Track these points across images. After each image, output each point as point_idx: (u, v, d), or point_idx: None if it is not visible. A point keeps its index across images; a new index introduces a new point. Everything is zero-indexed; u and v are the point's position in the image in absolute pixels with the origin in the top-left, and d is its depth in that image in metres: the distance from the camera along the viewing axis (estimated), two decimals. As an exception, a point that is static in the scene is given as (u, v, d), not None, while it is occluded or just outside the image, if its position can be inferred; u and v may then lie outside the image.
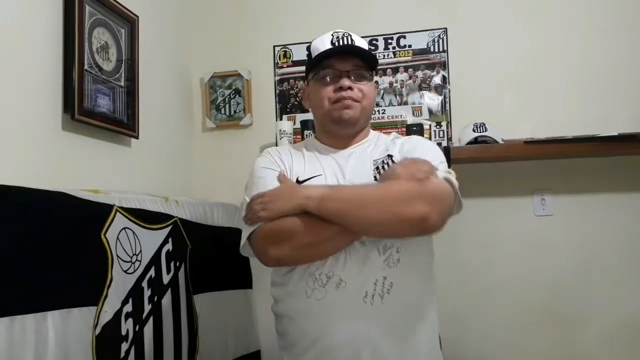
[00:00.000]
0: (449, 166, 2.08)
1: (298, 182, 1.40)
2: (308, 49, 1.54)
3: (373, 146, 1.47)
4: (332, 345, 1.28)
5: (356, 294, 1.27)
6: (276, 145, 2.31)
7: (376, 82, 1.54)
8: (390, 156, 1.41)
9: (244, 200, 1.42)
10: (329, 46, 1.43)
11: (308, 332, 1.32)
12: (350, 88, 1.39)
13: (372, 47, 2.40)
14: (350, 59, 1.42)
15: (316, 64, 1.45)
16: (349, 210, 1.23)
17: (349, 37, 1.45)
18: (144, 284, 1.51)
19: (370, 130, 1.56)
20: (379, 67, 2.38)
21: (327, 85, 1.42)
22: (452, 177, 1.34)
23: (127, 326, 1.41)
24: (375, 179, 1.36)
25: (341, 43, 1.43)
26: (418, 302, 1.35)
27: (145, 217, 1.56)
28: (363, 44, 1.48)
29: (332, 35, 1.45)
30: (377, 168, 1.39)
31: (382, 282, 1.27)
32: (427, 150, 1.40)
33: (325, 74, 1.43)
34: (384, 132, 1.61)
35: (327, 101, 1.42)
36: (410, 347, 1.31)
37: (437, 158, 1.37)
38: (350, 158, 1.44)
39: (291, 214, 1.26)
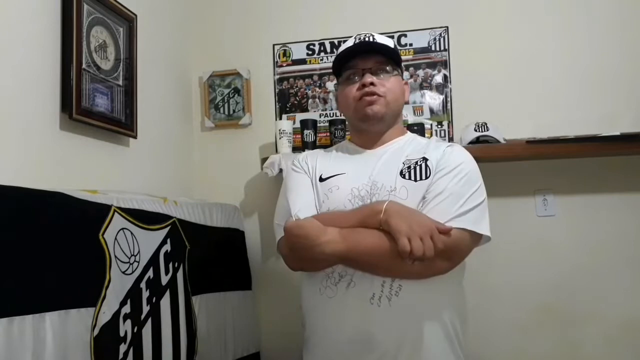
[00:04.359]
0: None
1: (321, 179, 1.43)
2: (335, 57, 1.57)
3: (408, 146, 1.47)
4: (339, 343, 1.30)
5: (364, 294, 1.28)
6: (275, 145, 2.31)
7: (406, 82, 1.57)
8: (425, 159, 1.39)
9: (281, 203, 1.48)
10: (351, 45, 1.47)
11: (318, 328, 1.37)
12: (372, 84, 1.41)
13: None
14: (371, 57, 1.44)
15: (340, 66, 1.48)
16: (364, 268, 1.29)
17: (372, 37, 1.46)
18: (143, 285, 1.50)
19: (407, 131, 1.57)
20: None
21: (351, 84, 1.45)
22: (475, 215, 1.32)
23: (125, 327, 1.39)
24: (402, 175, 1.36)
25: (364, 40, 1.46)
26: (432, 306, 1.33)
27: (144, 218, 1.55)
28: (386, 42, 1.49)
29: (355, 37, 1.48)
30: (409, 167, 1.38)
31: (390, 284, 1.28)
32: (460, 179, 1.34)
33: (348, 74, 1.46)
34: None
35: (352, 100, 1.45)
36: (416, 353, 1.29)
37: (464, 195, 1.31)
38: (381, 157, 1.44)
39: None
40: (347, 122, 1.59)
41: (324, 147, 1.99)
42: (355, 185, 1.37)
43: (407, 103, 1.92)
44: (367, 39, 1.46)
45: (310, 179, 1.46)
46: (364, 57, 1.44)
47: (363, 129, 1.49)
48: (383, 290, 1.27)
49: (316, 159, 1.50)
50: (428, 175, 1.35)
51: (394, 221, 1.22)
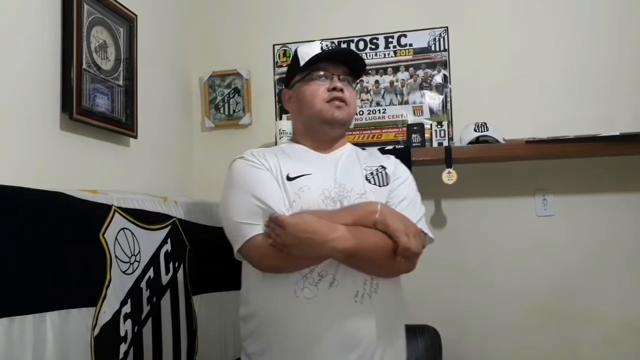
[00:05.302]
0: (450, 166, 2.10)
1: (289, 178, 1.40)
2: (294, 55, 1.57)
3: (355, 154, 1.54)
4: (320, 346, 1.29)
5: (348, 293, 1.31)
6: (275, 145, 2.30)
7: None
8: (384, 167, 1.50)
9: (244, 200, 1.37)
10: (319, 50, 1.50)
11: (294, 333, 1.31)
12: (342, 90, 1.46)
13: (373, 46, 2.40)
14: (340, 66, 1.49)
15: (307, 67, 1.49)
16: (361, 265, 1.32)
17: (340, 45, 1.57)
18: (143, 284, 1.50)
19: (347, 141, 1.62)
20: (379, 67, 2.38)
21: (319, 85, 1.47)
22: (425, 222, 1.46)
23: (125, 327, 1.40)
24: (368, 181, 1.44)
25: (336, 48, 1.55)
26: (398, 300, 1.44)
27: (144, 218, 1.55)
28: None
29: (320, 42, 1.55)
30: (372, 174, 1.47)
31: (370, 281, 1.33)
32: (412, 189, 1.50)
33: (318, 75, 1.48)
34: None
35: (319, 99, 1.45)
36: (395, 343, 1.39)
37: (417, 203, 1.47)
38: (338, 161, 1.49)
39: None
40: (298, 123, 1.57)
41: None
42: (324, 187, 1.39)
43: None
44: (334, 46, 1.56)
45: (274, 177, 1.40)
46: (335, 64, 1.48)
47: (321, 131, 1.49)
48: (365, 288, 1.32)
49: (275, 157, 1.44)
50: (388, 182, 1.47)
51: (392, 221, 1.30)
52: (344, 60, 1.50)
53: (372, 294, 1.32)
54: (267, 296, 1.36)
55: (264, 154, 1.46)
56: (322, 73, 1.47)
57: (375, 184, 1.44)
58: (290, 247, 1.26)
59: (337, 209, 1.35)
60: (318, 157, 1.50)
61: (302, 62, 1.50)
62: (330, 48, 1.54)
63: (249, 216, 1.33)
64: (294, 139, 1.59)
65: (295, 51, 1.56)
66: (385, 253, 1.29)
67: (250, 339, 1.42)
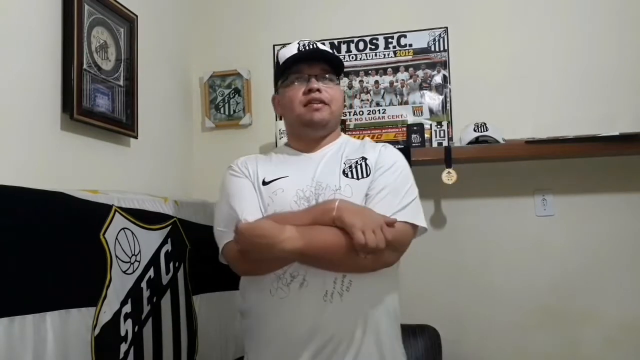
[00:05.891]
0: (450, 166, 2.10)
1: (264, 183, 1.44)
2: (276, 59, 1.59)
3: (344, 147, 1.51)
4: (293, 343, 1.32)
5: (317, 293, 1.31)
6: (275, 145, 2.31)
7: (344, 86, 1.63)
8: (364, 158, 1.45)
9: (223, 209, 1.44)
10: (296, 51, 1.49)
11: (270, 329, 1.36)
12: (319, 90, 1.44)
13: (372, 46, 2.40)
14: (317, 64, 1.48)
15: (284, 70, 1.50)
16: (320, 264, 1.31)
17: (315, 45, 1.51)
18: (143, 284, 1.50)
19: (342, 133, 1.61)
20: (379, 67, 2.38)
21: (296, 88, 1.47)
22: (413, 209, 1.39)
23: (126, 327, 1.40)
24: (345, 175, 1.41)
25: (309, 48, 1.50)
26: (378, 296, 1.39)
27: (145, 218, 1.55)
28: (328, 49, 1.55)
29: (298, 43, 1.51)
30: (350, 167, 1.43)
31: (342, 280, 1.32)
32: (397, 176, 1.42)
33: (294, 78, 1.47)
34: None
35: (297, 104, 1.46)
36: (372, 339, 1.35)
37: (401, 190, 1.39)
38: (321, 160, 1.48)
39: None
40: (286, 126, 1.59)
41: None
42: (299, 187, 1.39)
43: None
44: (311, 46, 1.49)
45: (252, 182, 1.45)
46: (310, 64, 1.47)
47: (304, 134, 1.51)
48: (335, 286, 1.31)
49: (256, 163, 1.50)
50: (368, 173, 1.42)
51: (347, 217, 1.26)
52: (323, 58, 1.49)
53: (343, 292, 1.31)
54: (251, 296, 1.43)
55: (246, 162, 1.52)
56: (296, 76, 1.47)
57: (352, 177, 1.41)
58: (248, 253, 1.30)
59: (298, 210, 1.35)
60: (302, 158, 1.51)
61: (279, 64, 1.53)
62: (306, 48, 1.50)
63: (225, 224, 1.41)
64: (287, 142, 1.62)
65: (277, 55, 1.57)
66: (340, 250, 1.27)
67: (245, 336, 1.48)
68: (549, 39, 2.30)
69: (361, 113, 2.38)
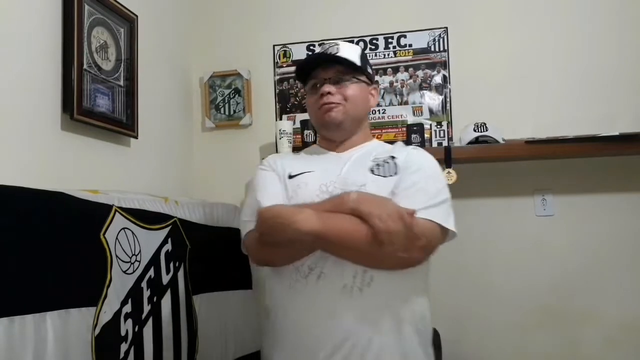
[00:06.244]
0: (450, 166, 2.10)
1: (290, 176, 1.47)
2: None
3: (375, 149, 1.52)
4: (311, 337, 1.31)
5: (335, 286, 1.30)
6: (275, 145, 2.32)
7: (376, 81, 1.65)
8: (393, 157, 1.45)
9: (249, 201, 1.49)
10: (311, 59, 1.57)
11: (288, 323, 1.37)
12: (330, 93, 1.47)
13: (372, 46, 2.40)
14: (332, 67, 1.50)
15: (306, 76, 1.55)
16: (340, 252, 1.30)
17: (335, 47, 1.52)
18: (144, 284, 1.50)
19: (374, 138, 1.63)
20: (379, 67, 2.38)
21: (313, 94, 1.52)
22: (443, 210, 1.35)
23: (126, 327, 1.40)
24: (372, 172, 1.41)
25: (326, 51, 1.53)
26: (403, 295, 1.36)
27: (145, 218, 1.55)
28: (349, 51, 1.53)
29: (320, 46, 1.61)
30: (378, 165, 1.43)
31: (362, 275, 1.30)
32: (427, 176, 1.39)
33: (311, 84, 1.54)
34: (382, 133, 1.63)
35: (315, 109, 1.52)
36: (392, 340, 1.32)
37: (431, 190, 1.36)
38: (350, 159, 1.49)
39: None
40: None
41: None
42: (323, 182, 1.41)
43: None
44: (330, 49, 1.52)
45: (278, 176, 1.49)
46: (325, 67, 1.50)
47: (327, 135, 1.56)
48: (355, 281, 1.29)
49: (285, 159, 1.56)
50: (397, 172, 1.40)
51: (365, 206, 1.26)
52: (334, 59, 1.50)
53: (363, 287, 1.29)
54: (272, 289, 1.46)
55: (276, 157, 1.57)
56: (312, 82, 1.52)
57: (379, 175, 1.40)
58: (265, 235, 1.32)
59: (316, 201, 1.35)
60: (330, 156, 1.54)
61: (300, 71, 1.58)
62: (321, 52, 1.56)
63: (250, 214, 1.43)
64: (318, 141, 1.66)
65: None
66: (360, 238, 1.24)
67: (262, 330, 1.53)
68: (549, 38, 2.30)
69: (361, 113, 2.38)
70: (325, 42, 1.57)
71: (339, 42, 1.56)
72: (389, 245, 1.22)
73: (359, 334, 1.29)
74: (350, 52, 1.53)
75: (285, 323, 1.38)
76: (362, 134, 1.57)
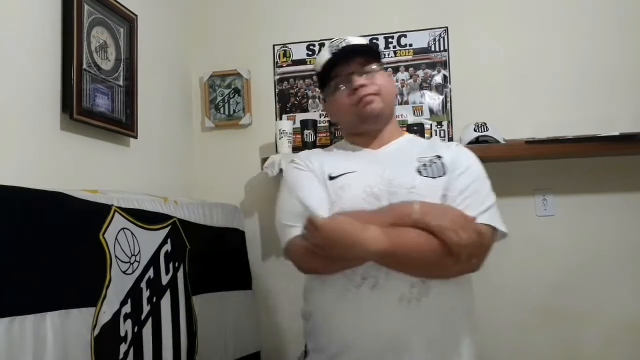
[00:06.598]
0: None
1: (330, 178, 1.39)
2: (316, 70, 1.58)
3: (412, 146, 1.47)
4: (363, 348, 1.26)
5: (391, 296, 1.25)
6: (275, 145, 2.31)
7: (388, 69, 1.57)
8: (439, 157, 1.40)
9: (289, 204, 1.40)
10: (328, 55, 1.46)
11: (339, 334, 1.30)
12: (362, 85, 1.40)
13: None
14: (352, 61, 1.43)
15: (325, 78, 1.47)
16: (405, 267, 1.25)
17: (345, 41, 1.47)
18: (143, 284, 1.50)
19: (405, 131, 1.57)
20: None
21: (341, 93, 1.44)
22: (495, 212, 1.35)
23: (125, 327, 1.40)
24: (419, 173, 1.35)
25: (339, 47, 1.46)
26: (459, 303, 1.33)
27: (144, 218, 1.55)
28: (360, 41, 1.50)
29: (329, 46, 1.49)
30: (425, 165, 1.38)
31: (420, 285, 1.26)
32: (476, 178, 1.37)
33: (335, 84, 1.45)
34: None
35: (347, 108, 1.44)
36: (451, 349, 1.29)
37: (482, 192, 1.35)
38: (388, 156, 1.44)
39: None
40: (341, 128, 1.57)
41: (324, 147, 1.98)
42: (367, 184, 1.34)
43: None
44: (341, 44, 1.47)
45: (317, 177, 1.41)
46: (345, 63, 1.44)
47: (363, 130, 1.48)
48: (412, 291, 1.25)
49: (320, 157, 1.47)
50: (445, 172, 1.36)
51: (432, 218, 1.22)
52: (356, 52, 1.45)
53: (421, 297, 1.25)
54: (318, 297, 1.38)
55: (310, 155, 1.49)
56: (336, 81, 1.45)
57: (427, 176, 1.35)
58: (324, 249, 1.23)
59: (374, 210, 1.29)
60: (366, 153, 1.47)
61: (318, 74, 1.52)
62: (339, 47, 1.47)
63: (291, 218, 1.36)
64: (346, 139, 1.58)
65: (315, 66, 1.56)
66: (430, 253, 1.21)
67: (309, 337, 1.42)
68: (549, 38, 2.29)
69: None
70: (332, 40, 1.50)
71: (346, 37, 1.51)
72: (461, 257, 1.21)
73: (416, 345, 1.25)
74: (362, 42, 1.50)
75: (334, 334, 1.32)
76: (394, 126, 1.52)
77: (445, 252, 1.21)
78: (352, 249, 1.20)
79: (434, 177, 1.35)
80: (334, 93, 1.47)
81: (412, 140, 1.51)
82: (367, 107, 1.41)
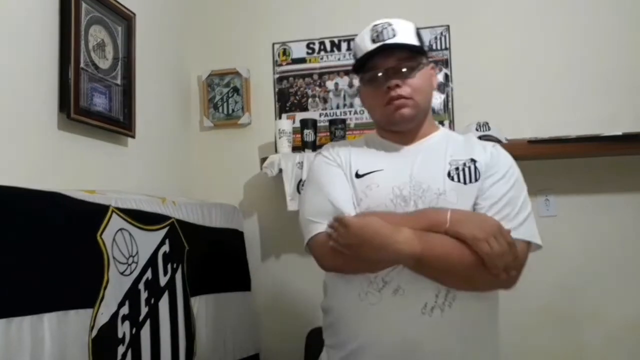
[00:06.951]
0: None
1: (357, 175, 1.35)
2: (352, 45, 1.49)
3: (445, 143, 1.39)
4: (381, 353, 1.24)
5: (415, 303, 1.22)
6: (275, 145, 2.29)
7: (434, 63, 1.45)
8: (473, 160, 1.33)
9: (315, 200, 1.36)
10: (369, 43, 1.34)
11: (357, 336, 1.28)
12: (397, 86, 1.32)
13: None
14: (392, 55, 1.33)
15: (361, 65, 1.39)
16: (437, 275, 1.22)
17: (390, 29, 1.34)
18: (141, 286, 1.49)
19: (440, 126, 1.50)
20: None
21: (374, 86, 1.36)
22: (531, 224, 1.32)
23: (123, 329, 1.38)
24: (451, 178, 1.30)
25: (382, 37, 1.33)
26: (484, 316, 1.31)
27: (142, 218, 1.53)
28: (406, 31, 1.37)
29: (371, 30, 1.36)
30: (457, 169, 1.31)
31: (445, 294, 1.22)
32: (512, 186, 1.31)
33: (370, 76, 1.37)
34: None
35: (379, 104, 1.36)
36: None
37: (517, 202, 1.30)
38: (419, 154, 1.36)
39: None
40: (374, 118, 1.49)
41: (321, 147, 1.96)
42: (395, 184, 1.29)
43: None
44: (385, 30, 1.33)
45: (345, 173, 1.37)
46: (384, 55, 1.33)
47: (392, 129, 1.41)
48: (437, 300, 1.21)
49: (349, 152, 1.40)
50: (478, 177, 1.30)
51: (465, 228, 1.19)
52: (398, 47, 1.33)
53: (445, 307, 1.21)
54: (339, 294, 1.34)
55: (338, 149, 1.43)
56: (371, 74, 1.36)
57: (459, 181, 1.29)
58: (352, 249, 1.19)
59: (404, 213, 1.25)
60: (397, 150, 1.40)
61: (355, 59, 1.42)
62: (378, 36, 1.34)
63: (316, 214, 1.32)
64: (377, 131, 1.49)
65: (353, 41, 1.45)
66: (463, 263, 1.18)
67: (327, 332, 1.40)
68: (551, 37, 2.29)
69: (362, 112, 2.36)
70: (375, 24, 1.38)
71: (391, 21, 1.37)
72: (496, 268, 1.18)
73: (435, 356, 1.22)
74: (408, 33, 1.36)
75: (352, 335, 1.29)
76: (428, 121, 1.43)
77: (478, 264, 1.18)
78: (380, 250, 1.17)
79: (465, 184, 1.29)
80: (367, 84, 1.39)
81: (447, 137, 1.43)
82: (397, 112, 1.33)
